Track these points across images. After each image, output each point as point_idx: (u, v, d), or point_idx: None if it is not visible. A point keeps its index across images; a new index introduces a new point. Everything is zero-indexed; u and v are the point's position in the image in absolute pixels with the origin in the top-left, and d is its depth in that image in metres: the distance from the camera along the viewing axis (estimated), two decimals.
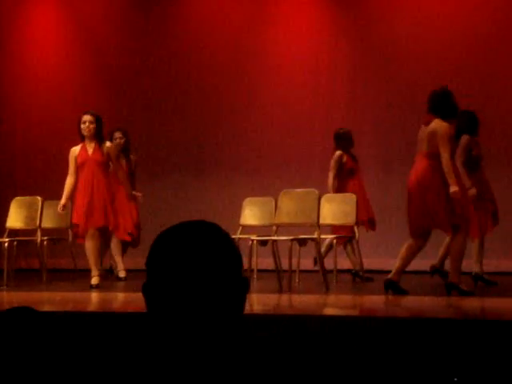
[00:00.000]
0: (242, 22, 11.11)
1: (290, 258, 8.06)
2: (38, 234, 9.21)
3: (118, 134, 9.61)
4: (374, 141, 10.58)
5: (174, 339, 1.62)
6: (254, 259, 8.74)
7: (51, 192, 10.55)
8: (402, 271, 7.50)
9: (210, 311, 1.61)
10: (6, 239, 9.03)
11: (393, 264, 10.18)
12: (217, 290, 1.61)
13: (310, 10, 11.03)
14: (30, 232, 9.43)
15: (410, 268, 9.79)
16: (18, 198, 9.48)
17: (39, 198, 9.33)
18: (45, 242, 9.34)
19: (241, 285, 1.66)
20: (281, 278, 8.11)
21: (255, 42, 11.04)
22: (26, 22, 11.83)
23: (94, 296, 8.08)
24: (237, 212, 9.26)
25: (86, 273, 9.62)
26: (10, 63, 11.86)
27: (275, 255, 8.24)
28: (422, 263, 9.58)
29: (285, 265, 8.72)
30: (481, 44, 10.29)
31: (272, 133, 10.86)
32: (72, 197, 8.60)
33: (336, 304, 7.46)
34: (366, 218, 9.24)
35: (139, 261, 8.87)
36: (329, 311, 7.12)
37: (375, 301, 7.46)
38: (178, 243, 1.63)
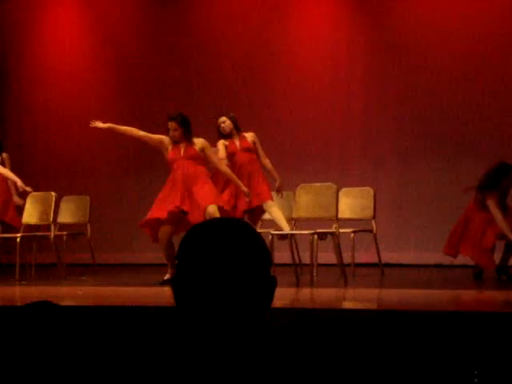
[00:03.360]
0: (260, 19, 11.07)
1: (312, 252, 8.05)
2: (52, 228, 9.33)
3: None
4: (392, 134, 10.54)
5: (200, 334, 1.63)
6: (273, 253, 8.73)
7: (70, 188, 10.64)
8: None
9: (236, 307, 1.63)
10: (18, 235, 9.13)
11: (413, 257, 10.17)
12: (245, 287, 1.64)
13: (328, 6, 10.99)
14: (45, 227, 9.56)
15: (432, 262, 9.81)
16: (33, 193, 9.56)
17: (53, 193, 9.47)
18: (64, 237, 9.46)
19: (269, 283, 1.69)
20: (298, 271, 8.11)
21: (273, 38, 11.00)
22: (47, 22, 11.87)
23: (114, 290, 8.11)
24: None
25: (105, 268, 9.78)
26: (31, 64, 11.90)
27: (293, 249, 8.23)
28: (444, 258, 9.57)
29: (303, 258, 8.73)
30: (501, 36, 10.19)
31: (289, 128, 10.83)
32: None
33: (355, 298, 7.45)
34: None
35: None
36: (348, 305, 7.11)
37: (393, 294, 7.45)
38: (209, 239, 1.65)
